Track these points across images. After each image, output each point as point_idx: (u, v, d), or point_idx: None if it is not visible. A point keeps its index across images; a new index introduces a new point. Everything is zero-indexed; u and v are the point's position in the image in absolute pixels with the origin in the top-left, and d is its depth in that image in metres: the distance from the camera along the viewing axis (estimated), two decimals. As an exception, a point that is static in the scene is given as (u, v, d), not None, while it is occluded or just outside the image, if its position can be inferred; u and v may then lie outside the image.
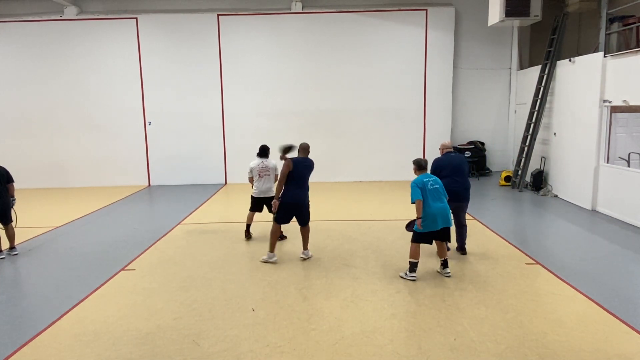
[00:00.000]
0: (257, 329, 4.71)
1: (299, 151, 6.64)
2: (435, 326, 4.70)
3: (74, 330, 4.77)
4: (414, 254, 5.90)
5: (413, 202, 5.76)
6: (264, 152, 7.53)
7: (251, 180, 7.61)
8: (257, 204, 7.65)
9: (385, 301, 5.30)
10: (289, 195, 6.43)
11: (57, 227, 8.97)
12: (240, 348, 4.35)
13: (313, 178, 6.79)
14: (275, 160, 7.42)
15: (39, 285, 6.03)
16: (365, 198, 11.24)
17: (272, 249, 6.63)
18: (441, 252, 6.05)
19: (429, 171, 6.14)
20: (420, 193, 5.70)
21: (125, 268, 6.60)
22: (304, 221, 6.66)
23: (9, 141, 13.37)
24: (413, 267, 5.91)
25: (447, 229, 5.91)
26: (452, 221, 6.02)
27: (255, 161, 7.51)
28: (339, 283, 5.86)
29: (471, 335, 4.50)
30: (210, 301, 5.39)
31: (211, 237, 8.01)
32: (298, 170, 6.41)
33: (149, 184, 13.71)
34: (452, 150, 6.89)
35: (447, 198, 5.98)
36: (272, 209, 6.60)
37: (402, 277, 5.96)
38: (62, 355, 4.31)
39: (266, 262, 6.61)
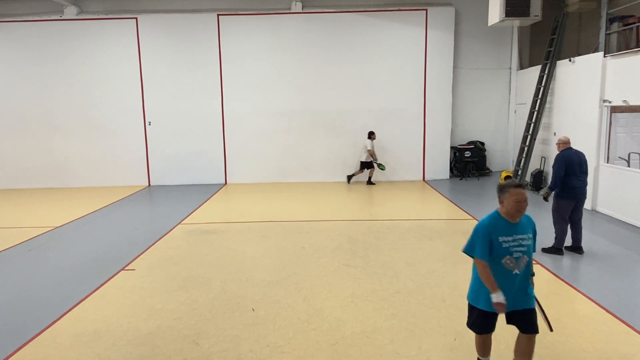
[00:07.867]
0: (257, 329, 4.71)
1: None
2: (435, 326, 4.70)
3: (74, 330, 4.77)
4: None
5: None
6: (370, 135, 12.74)
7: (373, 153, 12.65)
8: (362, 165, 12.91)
9: (385, 301, 5.30)
10: None
11: (57, 227, 8.97)
12: (240, 348, 4.35)
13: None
14: (367, 142, 12.69)
15: (39, 285, 6.03)
16: (365, 198, 11.24)
17: None
18: None
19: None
20: None
21: (125, 268, 6.60)
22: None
23: (8, 141, 13.34)
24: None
25: None
26: None
27: (370, 142, 12.64)
28: (339, 283, 5.86)
29: (471, 335, 4.49)
30: (210, 301, 5.39)
31: (211, 237, 8.01)
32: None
33: (149, 184, 13.71)
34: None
35: None
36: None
37: None
38: (62, 355, 4.31)
39: None
